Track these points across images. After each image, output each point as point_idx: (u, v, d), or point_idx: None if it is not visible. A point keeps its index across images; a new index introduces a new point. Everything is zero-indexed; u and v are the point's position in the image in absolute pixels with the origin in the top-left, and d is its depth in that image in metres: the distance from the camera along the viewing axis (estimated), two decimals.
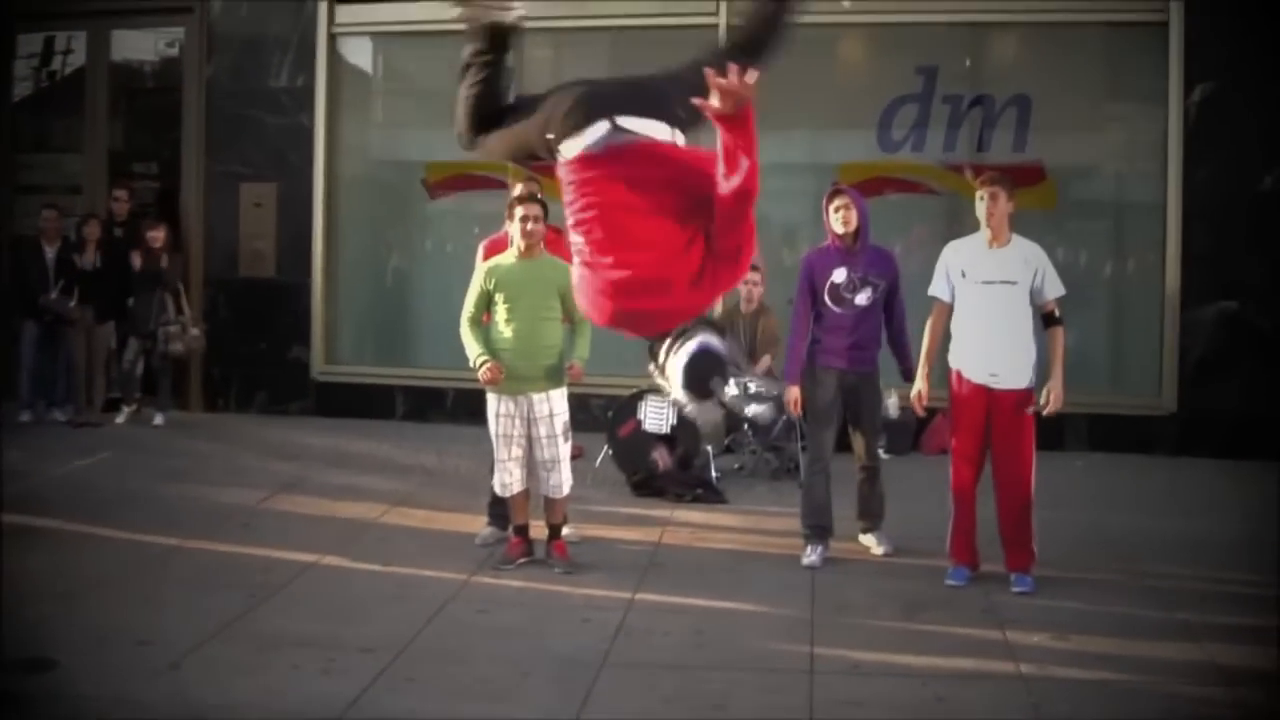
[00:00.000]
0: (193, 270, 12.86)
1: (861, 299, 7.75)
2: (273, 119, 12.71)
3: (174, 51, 13.53)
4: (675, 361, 3.76)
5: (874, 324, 7.83)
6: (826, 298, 7.76)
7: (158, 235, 12.05)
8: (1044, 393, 7.34)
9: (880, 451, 8.41)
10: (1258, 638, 6.42)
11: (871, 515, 8.08)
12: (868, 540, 8.05)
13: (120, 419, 12.03)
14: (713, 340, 3.77)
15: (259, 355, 12.81)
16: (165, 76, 13.71)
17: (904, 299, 7.93)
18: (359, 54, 13.07)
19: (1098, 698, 4.50)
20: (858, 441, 7.99)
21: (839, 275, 7.74)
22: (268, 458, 10.77)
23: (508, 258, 7.67)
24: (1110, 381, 11.59)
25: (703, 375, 3.73)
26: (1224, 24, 10.89)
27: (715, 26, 11.71)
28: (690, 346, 3.74)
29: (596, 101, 3.91)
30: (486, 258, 7.95)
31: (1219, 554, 7.96)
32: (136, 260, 12.03)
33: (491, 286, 7.60)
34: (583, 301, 3.83)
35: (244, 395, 12.92)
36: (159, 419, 12.03)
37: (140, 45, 13.86)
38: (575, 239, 3.80)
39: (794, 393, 7.93)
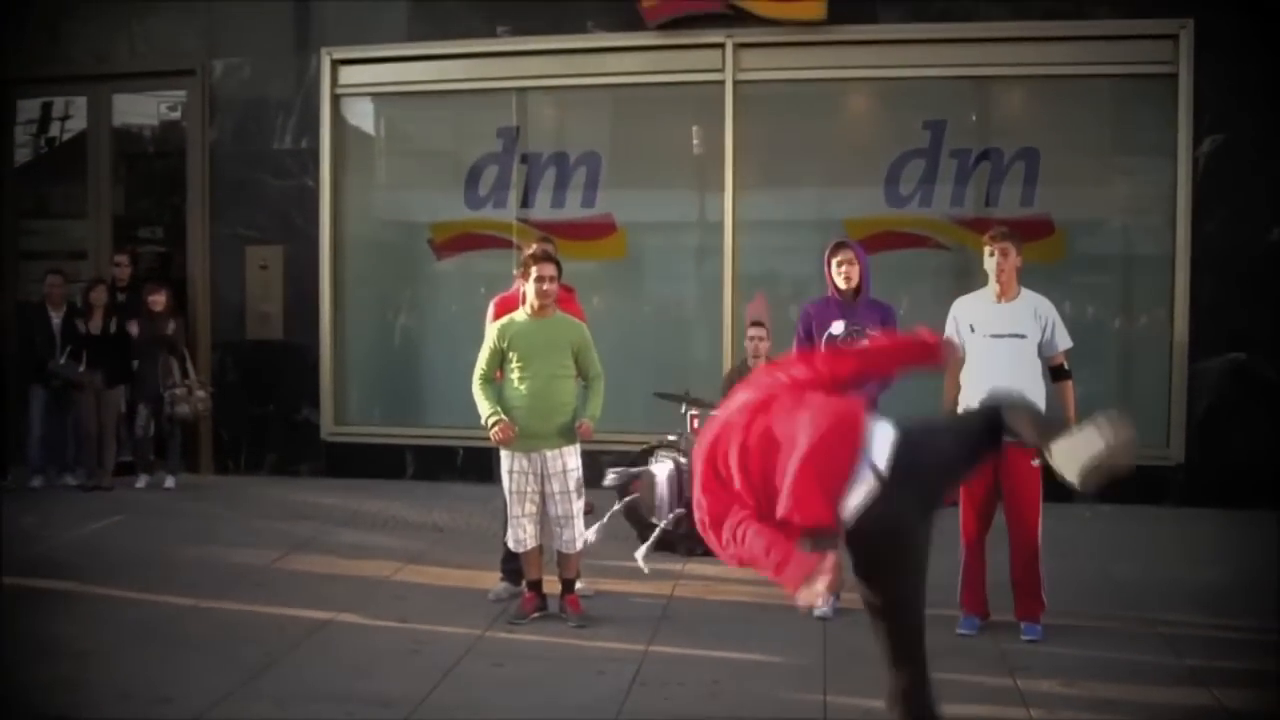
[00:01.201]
0: (199, 333, 12.96)
1: None
2: (277, 181, 12.82)
3: (176, 115, 13.67)
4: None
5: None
6: (824, 350, 7.77)
7: (159, 299, 12.10)
8: None
9: None
10: (1264, 682, 6.53)
11: None
12: None
13: (140, 484, 12.05)
14: None
15: (268, 417, 12.87)
16: (168, 140, 13.84)
17: None
18: (362, 115, 13.19)
19: None
20: None
21: (837, 328, 7.73)
22: (279, 518, 10.79)
23: (521, 315, 7.72)
24: None
25: None
26: (1233, 75, 11.00)
27: (721, 83, 11.85)
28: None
29: None
30: (497, 316, 8.00)
31: (1225, 601, 8.02)
32: (134, 327, 12.10)
33: (505, 345, 7.65)
34: None
35: (254, 457, 12.97)
36: (169, 482, 12.08)
37: (142, 109, 13.99)
38: None
39: None
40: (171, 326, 12.12)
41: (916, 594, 4.50)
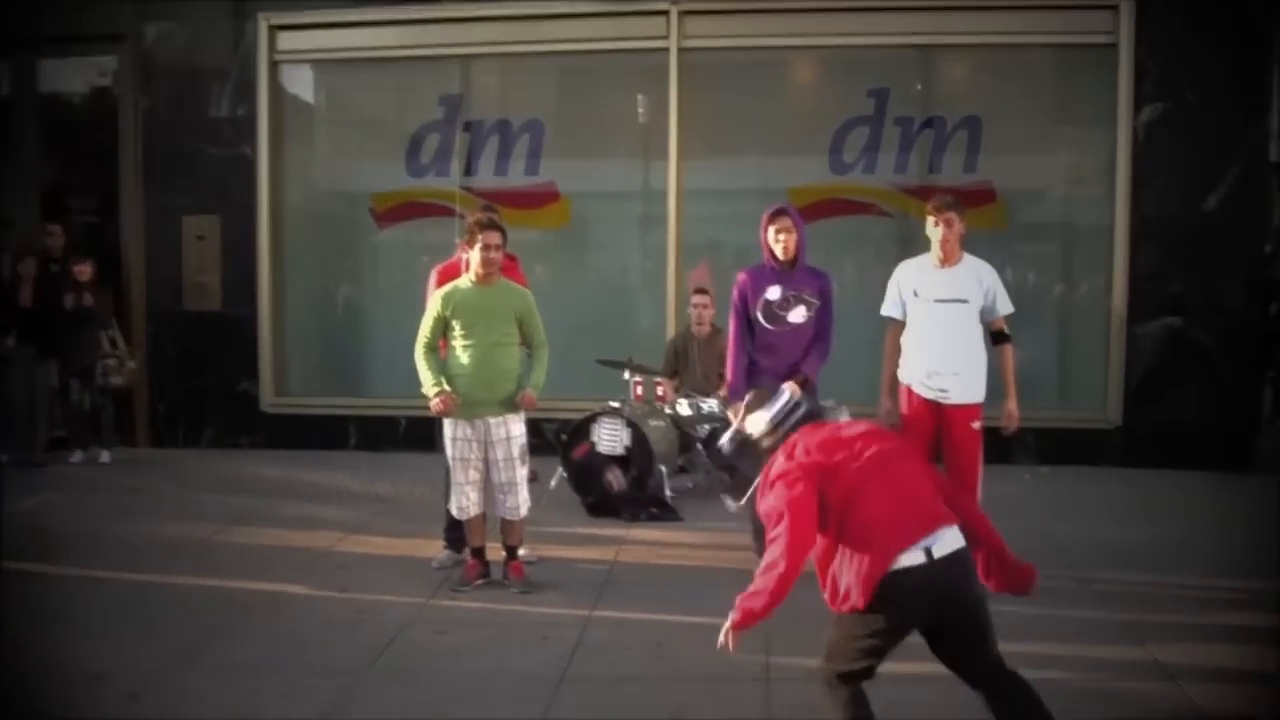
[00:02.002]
0: (134, 305, 12.77)
1: (796, 317, 7.73)
2: (213, 150, 12.61)
3: (107, 82, 13.36)
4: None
5: (808, 341, 7.77)
6: (760, 316, 7.73)
7: (84, 270, 11.88)
8: (1003, 414, 7.45)
9: None
10: (1198, 635, 6.68)
11: None
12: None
13: (75, 459, 11.87)
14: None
15: (206, 389, 12.72)
16: (99, 108, 13.44)
17: (833, 318, 7.92)
18: (301, 82, 13.04)
19: (1047, 697, 4.55)
20: None
21: (773, 293, 7.73)
22: (219, 491, 10.66)
23: (465, 283, 7.65)
24: (1058, 396, 11.73)
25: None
26: (1172, 46, 11.09)
27: (665, 51, 11.80)
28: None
29: None
30: (439, 284, 7.93)
31: (1161, 559, 8.17)
32: (69, 299, 11.88)
33: (449, 313, 7.58)
34: None
35: (192, 430, 12.83)
36: (105, 456, 11.91)
37: (71, 76, 13.66)
38: None
39: (734, 406, 8.03)
40: (98, 298, 11.92)
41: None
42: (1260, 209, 11.07)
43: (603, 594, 7.62)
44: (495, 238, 7.58)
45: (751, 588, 4.49)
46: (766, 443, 4.80)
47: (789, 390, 5.03)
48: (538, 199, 12.31)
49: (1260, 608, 7.18)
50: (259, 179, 12.59)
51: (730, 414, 8.01)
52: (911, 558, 4.34)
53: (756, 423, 4.86)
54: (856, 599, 4.42)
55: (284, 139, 12.77)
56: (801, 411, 4.81)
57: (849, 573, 4.45)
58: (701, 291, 10.48)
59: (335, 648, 6.63)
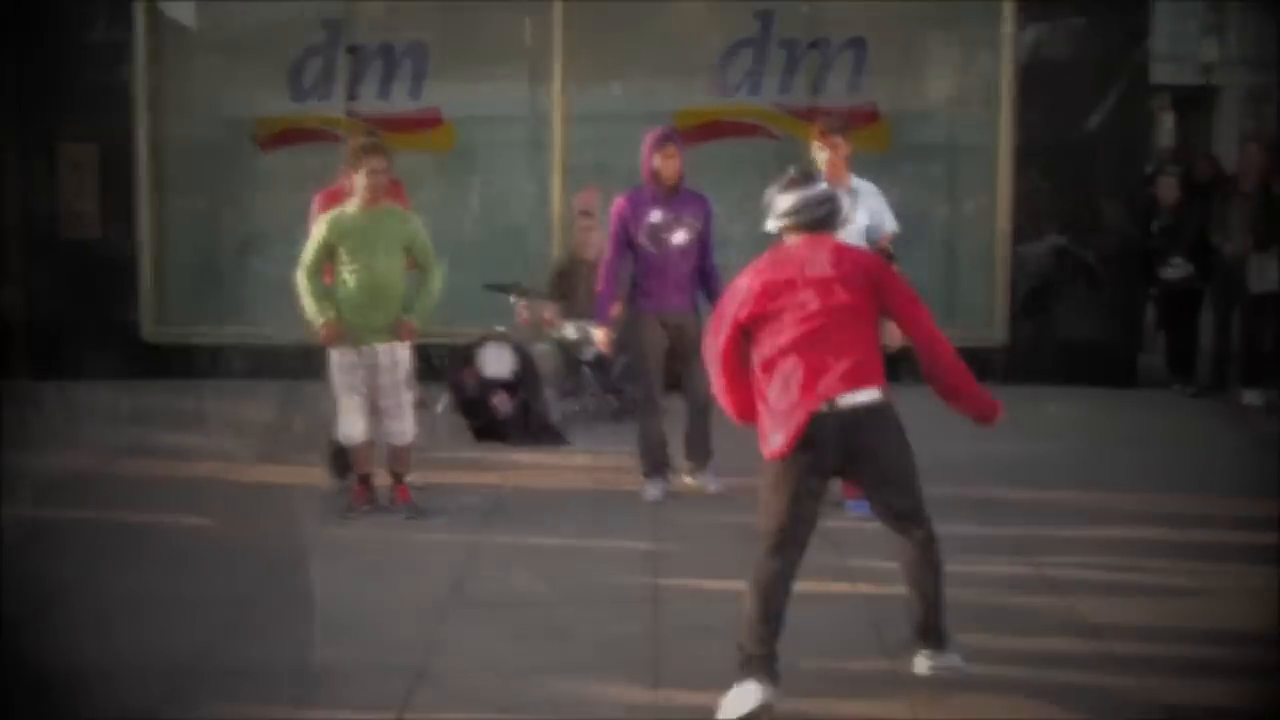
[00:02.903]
0: (8, 233, 12.40)
1: (678, 240, 7.78)
2: (89, 75, 12.23)
3: None
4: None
5: (691, 265, 7.86)
6: (644, 239, 7.78)
7: None
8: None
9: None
10: (1086, 550, 6.84)
11: (699, 455, 8.12)
12: (698, 480, 8.10)
13: None
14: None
15: (87, 319, 12.40)
16: None
17: (714, 239, 7.98)
18: (179, 6, 12.63)
19: None
20: (685, 382, 8.03)
21: (655, 216, 7.77)
22: (101, 423, 10.47)
23: (350, 209, 7.53)
24: (944, 315, 11.76)
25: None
26: None
27: None
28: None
29: None
30: (322, 210, 7.81)
31: (1048, 474, 8.36)
32: None
33: (334, 239, 7.47)
34: None
35: (72, 361, 12.51)
36: None
37: None
38: None
39: (602, 333, 8.09)
40: None
41: None
42: (1142, 129, 11.22)
43: (491, 519, 7.62)
44: (379, 162, 7.47)
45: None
46: (773, 224, 5.12)
47: (825, 186, 5.19)
48: (422, 123, 12.15)
49: (1146, 521, 7.36)
50: (136, 105, 12.26)
51: (593, 332, 8.06)
52: (823, 407, 4.73)
53: (784, 200, 5.05)
54: (776, 445, 4.79)
55: (161, 64, 12.42)
56: (823, 212, 5.03)
57: (770, 418, 4.83)
58: (587, 214, 10.42)
59: (221, 577, 6.55)
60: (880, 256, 5.72)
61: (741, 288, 5.00)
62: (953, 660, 4.97)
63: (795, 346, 4.80)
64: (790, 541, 4.82)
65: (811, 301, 4.83)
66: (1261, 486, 7.77)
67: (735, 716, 4.66)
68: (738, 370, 4.98)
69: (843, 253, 4.99)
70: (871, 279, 4.92)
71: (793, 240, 5.05)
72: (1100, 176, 11.27)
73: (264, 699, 5.19)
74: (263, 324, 12.15)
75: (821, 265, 4.87)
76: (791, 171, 5.21)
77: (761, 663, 4.72)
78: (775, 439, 4.80)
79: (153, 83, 12.33)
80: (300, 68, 12.37)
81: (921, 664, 5.00)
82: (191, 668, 5.43)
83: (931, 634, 4.99)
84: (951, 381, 5.02)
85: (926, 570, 4.97)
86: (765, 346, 4.87)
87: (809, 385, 4.75)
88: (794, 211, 5.02)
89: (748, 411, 5.01)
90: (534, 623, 5.93)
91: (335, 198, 7.84)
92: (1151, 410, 10.29)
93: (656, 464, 8.00)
